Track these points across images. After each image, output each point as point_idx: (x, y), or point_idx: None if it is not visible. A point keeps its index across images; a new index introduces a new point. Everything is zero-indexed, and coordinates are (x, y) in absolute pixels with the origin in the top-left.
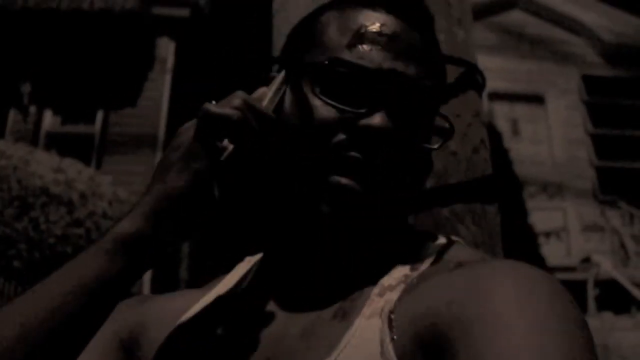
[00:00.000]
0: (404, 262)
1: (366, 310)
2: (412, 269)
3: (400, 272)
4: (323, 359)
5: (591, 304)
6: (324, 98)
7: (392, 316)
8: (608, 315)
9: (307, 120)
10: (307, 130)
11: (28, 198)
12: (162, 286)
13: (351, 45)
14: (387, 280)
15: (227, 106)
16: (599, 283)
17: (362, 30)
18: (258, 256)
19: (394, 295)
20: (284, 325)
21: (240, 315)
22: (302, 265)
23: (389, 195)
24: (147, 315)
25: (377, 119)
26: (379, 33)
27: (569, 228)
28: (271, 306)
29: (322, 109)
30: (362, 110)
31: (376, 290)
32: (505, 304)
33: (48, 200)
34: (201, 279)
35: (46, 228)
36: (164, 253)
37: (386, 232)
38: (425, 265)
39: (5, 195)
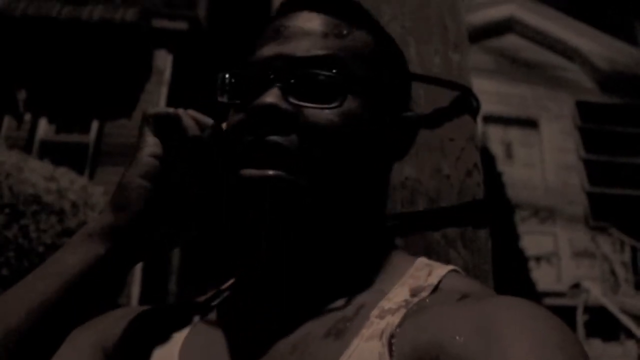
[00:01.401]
0: (398, 281)
1: (365, 332)
2: (412, 294)
3: (400, 297)
4: None
5: (580, 330)
6: (233, 103)
7: (393, 340)
8: (597, 342)
9: (229, 130)
10: (229, 140)
11: (19, 205)
12: (151, 299)
13: (252, 52)
14: (386, 304)
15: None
16: (588, 309)
17: (263, 35)
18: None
19: (395, 319)
20: (271, 342)
21: (226, 331)
22: (273, 277)
23: (301, 173)
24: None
25: (262, 99)
26: (276, 30)
27: (559, 253)
28: (256, 322)
29: (233, 115)
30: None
31: (375, 312)
32: (511, 348)
33: (39, 209)
34: (189, 292)
35: (36, 236)
36: (149, 247)
37: (338, 231)
38: (426, 292)
39: None
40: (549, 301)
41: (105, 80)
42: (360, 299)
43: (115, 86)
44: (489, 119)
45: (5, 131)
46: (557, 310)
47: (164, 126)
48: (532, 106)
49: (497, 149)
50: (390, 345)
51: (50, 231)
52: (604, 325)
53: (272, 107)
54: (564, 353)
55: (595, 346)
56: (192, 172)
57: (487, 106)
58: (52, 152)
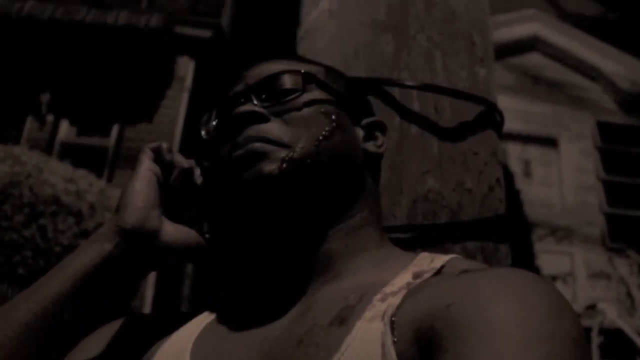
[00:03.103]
0: (401, 271)
1: (367, 314)
2: (414, 277)
3: (402, 281)
4: None
5: (595, 352)
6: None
7: (394, 319)
8: None
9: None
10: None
11: (38, 206)
12: (164, 303)
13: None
14: (389, 289)
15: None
16: (603, 331)
17: (232, 85)
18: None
19: (396, 300)
20: (279, 335)
21: (236, 329)
22: (277, 275)
23: (292, 159)
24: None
25: (238, 108)
26: (244, 76)
27: (575, 274)
28: (264, 317)
29: (222, 146)
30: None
31: (378, 296)
32: (500, 313)
33: (58, 210)
34: (203, 297)
35: (54, 237)
36: (155, 249)
37: (339, 221)
38: (428, 274)
39: (16, 202)
40: None
41: (127, 85)
42: (363, 288)
43: (137, 91)
44: (509, 136)
45: (27, 132)
46: None
47: (159, 157)
48: (552, 125)
49: (515, 167)
50: (392, 324)
51: (68, 232)
52: (619, 347)
53: (248, 111)
54: (552, 321)
55: None
56: (183, 196)
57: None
58: (73, 154)
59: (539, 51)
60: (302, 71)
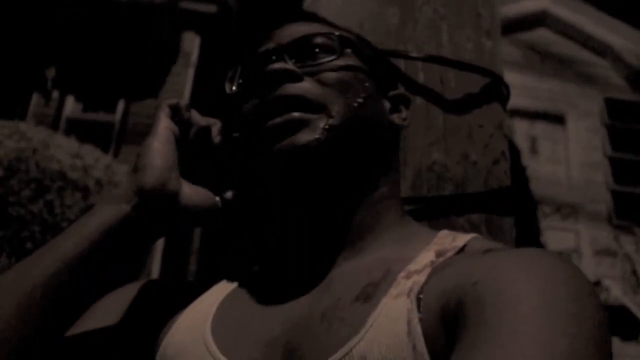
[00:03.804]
0: (423, 249)
1: (393, 291)
2: (437, 256)
3: (426, 259)
4: (348, 339)
5: None
6: (243, 92)
7: (421, 296)
8: (615, 342)
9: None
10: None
11: (45, 181)
12: (170, 278)
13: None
14: (413, 267)
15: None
16: (608, 308)
17: (260, 43)
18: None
19: (421, 278)
20: (302, 310)
21: (256, 303)
22: (302, 250)
23: (325, 127)
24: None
25: (271, 66)
26: (272, 35)
27: (581, 250)
28: (287, 293)
29: (246, 105)
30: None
31: (403, 274)
32: (525, 293)
33: (64, 185)
34: (209, 272)
35: (61, 212)
36: (173, 212)
37: (361, 197)
38: (451, 253)
39: (23, 177)
40: None
41: (133, 60)
42: (387, 265)
43: (142, 67)
44: (516, 113)
45: (33, 108)
46: None
47: (177, 114)
48: (559, 101)
49: (522, 144)
50: (418, 301)
51: (75, 207)
52: (623, 324)
53: (282, 69)
54: (576, 303)
55: (614, 345)
56: (201, 155)
57: (514, 99)
58: (79, 130)
59: (548, 27)
60: (338, 34)
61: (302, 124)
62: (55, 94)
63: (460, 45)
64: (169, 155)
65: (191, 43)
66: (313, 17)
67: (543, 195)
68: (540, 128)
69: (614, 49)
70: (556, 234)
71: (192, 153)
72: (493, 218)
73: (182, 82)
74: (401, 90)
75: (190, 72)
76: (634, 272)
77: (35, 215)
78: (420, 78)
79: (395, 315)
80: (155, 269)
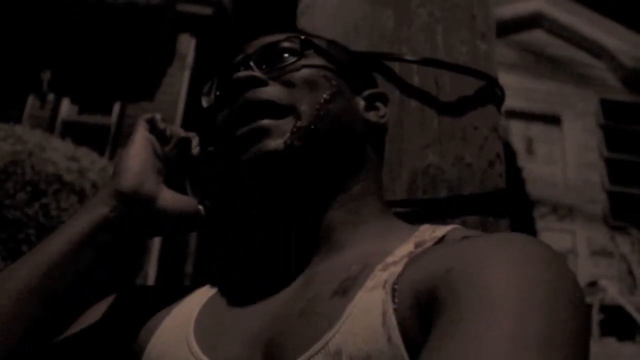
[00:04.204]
0: (403, 242)
1: (369, 284)
2: (416, 247)
3: (404, 250)
4: (324, 332)
5: (595, 328)
6: (214, 104)
7: (396, 287)
8: (612, 342)
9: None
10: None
11: (41, 184)
12: (167, 281)
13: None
14: (391, 259)
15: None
16: (604, 308)
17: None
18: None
19: (397, 268)
20: (282, 307)
21: (239, 303)
22: (280, 248)
23: (295, 128)
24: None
25: (237, 74)
26: (241, 49)
27: (577, 251)
28: (267, 290)
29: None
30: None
31: (380, 266)
32: (499, 277)
33: (60, 188)
34: (206, 274)
35: (56, 215)
36: (152, 215)
37: (339, 193)
38: (430, 243)
39: (18, 180)
40: None
41: (129, 62)
42: (366, 259)
43: (138, 69)
44: (512, 114)
45: (28, 110)
46: None
47: (154, 128)
48: (555, 102)
49: (518, 145)
50: (393, 291)
51: (71, 210)
52: (619, 324)
53: (247, 76)
54: (551, 285)
55: (610, 345)
56: (180, 166)
57: (510, 101)
58: (74, 133)
59: (543, 28)
60: (302, 37)
61: (269, 131)
62: (51, 97)
63: (455, 48)
64: (145, 160)
65: (187, 45)
66: (287, 30)
67: (539, 196)
68: (536, 129)
69: (609, 50)
70: (552, 235)
71: (173, 164)
72: (489, 220)
73: (177, 84)
74: (377, 89)
75: (186, 74)
76: (631, 273)
77: (31, 218)
78: (415, 81)
79: (370, 306)
80: (151, 272)
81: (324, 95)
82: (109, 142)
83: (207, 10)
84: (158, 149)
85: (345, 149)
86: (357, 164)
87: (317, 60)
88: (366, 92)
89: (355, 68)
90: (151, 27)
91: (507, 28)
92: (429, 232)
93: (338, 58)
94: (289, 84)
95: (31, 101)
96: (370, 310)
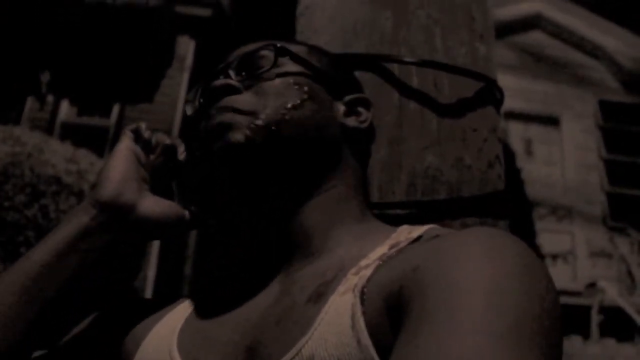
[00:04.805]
0: (379, 245)
1: (341, 288)
2: (390, 248)
3: (378, 253)
4: (298, 339)
5: (594, 329)
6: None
7: (365, 289)
8: (611, 342)
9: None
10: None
11: (40, 186)
12: (166, 285)
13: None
14: (364, 262)
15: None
16: (603, 309)
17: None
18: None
19: (368, 272)
20: (261, 315)
21: (221, 312)
22: (262, 256)
23: (260, 129)
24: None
25: (214, 82)
26: (221, 61)
27: (576, 252)
28: (247, 299)
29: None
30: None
31: (353, 270)
32: (464, 271)
33: (59, 189)
34: (205, 277)
35: (55, 217)
36: (134, 222)
37: (312, 194)
38: (404, 244)
39: (17, 182)
40: (564, 300)
41: (128, 64)
42: (341, 263)
43: (137, 71)
44: (510, 115)
45: (27, 112)
46: (572, 309)
47: (139, 137)
48: (554, 104)
49: (517, 146)
50: (362, 295)
51: (70, 212)
52: (618, 325)
53: (222, 84)
54: (517, 277)
55: (609, 346)
56: (166, 173)
57: (509, 102)
58: (73, 134)
59: (542, 29)
60: (277, 45)
61: (229, 126)
62: (50, 98)
63: (453, 50)
64: (127, 170)
65: (186, 47)
66: (272, 37)
67: (538, 197)
68: (535, 130)
69: (607, 51)
70: (551, 236)
71: (159, 171)
72: (488, 222)
73: (176, 86)
74: (359, 94)
75: (185, 76)
76: (630, 274)
77: (30, 220)
78: (414, 82)
79: (340, 311)
80: (150, 274)
81: (293, 102)
82: (108, 143)
83: (206, 12)
84: (142, 158)
85: (314, 152)
86: (332, 168)
87: (292, 67)
88: (347, 98)
89: (336, 73)
90: (150, 29)
91: (506, 29)
92: (405, 233)
93: (316, 64)
94: (259, 92)
95: (30, 103)
96: (339, 315)
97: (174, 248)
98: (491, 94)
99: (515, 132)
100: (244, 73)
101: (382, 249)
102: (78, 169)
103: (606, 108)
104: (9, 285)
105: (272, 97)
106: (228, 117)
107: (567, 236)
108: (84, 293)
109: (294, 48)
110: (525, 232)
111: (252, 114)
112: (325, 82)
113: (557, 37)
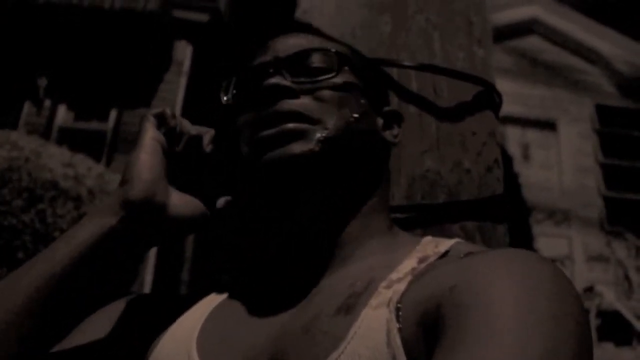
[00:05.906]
0: (406, 257)
1: (373, 302)
2: (419, 262)
3: (408, 266)
4: (330, 351)
5: (592, 334)
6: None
7: (399, 305)
8: (609, 347)
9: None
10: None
11: (37, 190)
12: (163, 287)
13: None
14: (395, 275)
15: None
16: (601, 313)
17: (254, 55)
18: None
19: (401, 286)
20: (287, 322)
21: (243, 315)
22: (287, 261)
23: (319, 140)
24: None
25: (267, 81)
26: (267, 47)
27: (573, 257)
28: (274, 305)
29: (241, 117)
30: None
31: (384, 284)
32: (502, 294)
33: (56, 194)
34: (202, 282)
35: (53, 221)
36: (160, 223)
37: (349, 208)
38: (433, 258)
39: (14, 186)
40: None
41: (125, 69)
42: (370, 275)
43: (135, 75)
44: (508, 120)
45: (25, 117)
46: None
47: (163, 124)
48: (551, 108)
49: (514, 150)
50: (397, 310)
51: (67, 217)
52: (616, 329)
53: (279, 85)
54: (554, 302)
55: (607, 350)
56: (191, 164)
57: (506, 107)
58: (71, 139)
59: (538, 34)
60: (335, 51)
61: (296, 135)
62: (47, 103)
63: (452, 54)
64: (156, 166)
65: (183, 52)
66: (307, 28)
67: (535, 202)
68: (533, 135)
69: (604, 56)
70: (549, 241)
71: (182, 162)
72: (486, 225)
73: (174, 90)
74: (394, 108)
75: (183, 80)
76: (627, 277)
77: (27, 225)
78: (413, 86)
79: (374, 326)
80: (148, 279)
81: (354, 114)
82: (106, 148)
83: (203, 17)
84: (166, 148)
85: (365, 166)
86: (372, 180)
87: (349, 78)
88: (385, 110)
89: (376, 83)
90: (148, 34)
91: (503, 34)
92: (431, 246)
93: (365, 73)
94: (320, 100)
95: (27, 107)
96: (375, 330)
97: (171, 252)
98: (490, 98)
99: (513, 137)
100: (296, 73)
101: (410, 262)
102: (75, 173)
103: (603, 112)
104: (23, 287)
105: (336, 107)
106: (294, 126)
107: (565, 240)
108: (81, 296)
109: (345, 51)
110: (523, 236)
111: (319, 122)
112: (371, 95)
113: (554, 42)
